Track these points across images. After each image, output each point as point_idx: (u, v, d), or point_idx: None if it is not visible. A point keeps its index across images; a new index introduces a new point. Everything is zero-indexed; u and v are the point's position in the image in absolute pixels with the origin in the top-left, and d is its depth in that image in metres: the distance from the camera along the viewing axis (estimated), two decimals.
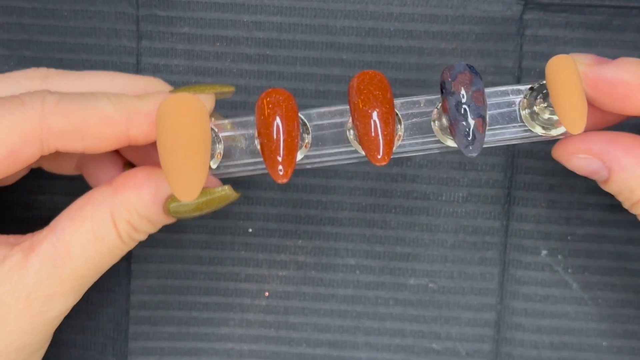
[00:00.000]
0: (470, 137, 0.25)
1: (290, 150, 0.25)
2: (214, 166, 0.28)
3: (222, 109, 0.34)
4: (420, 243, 0.34)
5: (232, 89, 0.29)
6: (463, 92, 0.25)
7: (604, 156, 0.27)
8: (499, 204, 0.34)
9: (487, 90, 0.27)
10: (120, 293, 0.35)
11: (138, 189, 0.27)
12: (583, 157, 0.27)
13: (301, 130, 0.27)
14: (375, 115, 0.25)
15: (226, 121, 0.28)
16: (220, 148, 0.28)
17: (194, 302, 0.35)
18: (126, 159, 0.31)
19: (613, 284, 0.34)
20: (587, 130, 0.29)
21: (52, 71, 0.28)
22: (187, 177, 0.24)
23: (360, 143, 0.25)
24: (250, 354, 0.35)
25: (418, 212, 0.34)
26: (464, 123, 0.25)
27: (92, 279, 0.27)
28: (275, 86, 0.33)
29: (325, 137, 0.28)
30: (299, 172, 0.34)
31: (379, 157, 0.25)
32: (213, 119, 0.29)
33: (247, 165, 0.28)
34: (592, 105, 0.28)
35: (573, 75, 0.25)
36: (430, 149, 0.28)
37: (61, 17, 0.33)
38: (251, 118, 0.28)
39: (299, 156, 0.27)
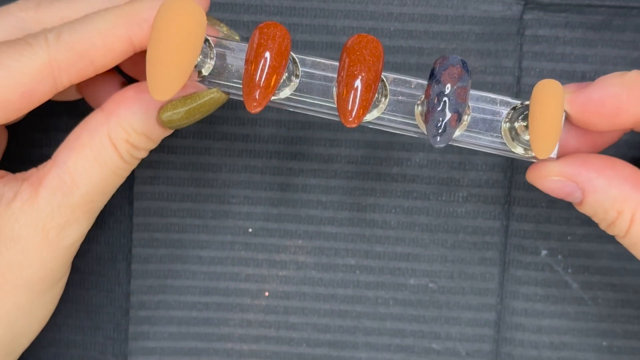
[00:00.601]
0: (441, 129, 0.25)
1: (269, 83, 0.25)
2: (205, 73, 0.28)
3: (222, 108, 0.34)
4: (420, 243, 0.34)
5: (238, 37, 0.29)
6: (448, 84, 0.25)
7: (576, 178, 0.28)
8: (499, 204, 0.34)
9: (479, 93, 0.28)
10: (120, 293, 0.35)
11: (130, 106, 0.27)
12: (556, 179, 0.28)
13: (291, 70, 0.28)
14: (359, 78, 0.25)
15: (223, 26, 0.29)
16: (211, 63, 0.28)
17: (194, 302, 0.35)
18: (122, 78, 0.32)
19: (613, 284, 0.34)
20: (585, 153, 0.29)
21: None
22: (164, 77, 0.25)
23: (336, 100, 0.26)
24: (250, 354, 0.35)
25: (418, 212, 0.34)
26: (440, 113, 0.25)
27: (102, 203, 0.28)
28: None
29: (313, 87, 0.28)
30: (299, 172, 0.34)
31: (350, 119, 0.25)
32: (215, 27, 0.29)
33: (232, 88, 0.28)
34: (588, 129, 0.28)
35: (555, 100, 0.26)
36: (406, 130, 0.28)
37: None
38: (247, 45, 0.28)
39: (284, 94, 0.28)
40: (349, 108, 0.25)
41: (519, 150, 0.28)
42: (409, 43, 0.33)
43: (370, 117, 0.28)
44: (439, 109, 0.25)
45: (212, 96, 0.28)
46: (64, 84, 0.27)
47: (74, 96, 0.32)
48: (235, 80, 0.28)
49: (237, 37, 0.30)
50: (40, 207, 0.27)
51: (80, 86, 0.32)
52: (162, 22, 0.25)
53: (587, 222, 0.34)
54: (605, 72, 0.32)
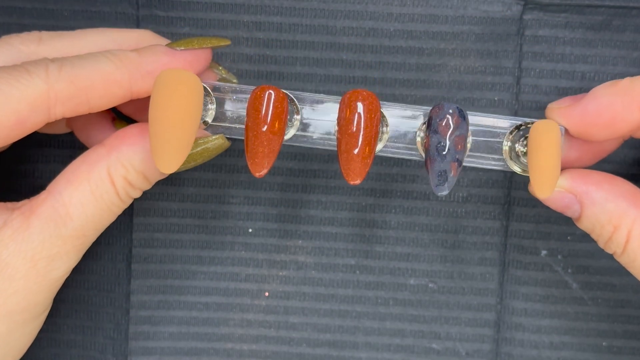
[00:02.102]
0: (442, 179, 0.26)
1: (273, 153, 0.26)
2: (209, 121, 0.29)
3: None
4: (420, 243, 0.34)
5: (228, 42, 0.30)
6: (446, 135, 0.26)
7: (575, 189, 0.28)
8: (499, 204, 0.34)
9: (478, 116, 0.28)
10: (120, 293, 0.35)
11: (133, 145, 0.27)
12: (557, 190, 0.28)
13: (291, 109, 0.28)
14: (360, 137, 0.26)
15: (222, 69, 0.30)
16: (212, 108, 0.29)
17: (194, 302, 0.35)
18: (113, 113, 0.32)
19: (613, 284, 0.34)
20: (586, 163, 0.30)
21: (46, 34, 0.29)
22: (169, 150, 0.25)
23: (339, 160, 0.26)
24: (250, 354, 0.35)
25: (418, 212, 0.34)
26: (440, 164, 0.26)
27: (92, 238, 0.28)
28: (276, 86, 0.33)
29: (315, 122, 0.29)
30: (299, 172, 0.34)
31: (352, 182, 0.26)
32: (213, 70, 0.30)
33: (233, 132, 0.29)
34: (586, 140, 0.28)
35: (554, 143, 0.26)
36: (410, 155, 0.29)
37: (61, 17, 0.33)
38: (247, 90, 0.29)
39: (288, 135, 0.28)
40: (352, 169, 0.26)
41: (516, 169, 0.28)
42: (409, 43, 0.33)
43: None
44: (438, 160, 0.26)
45: (215, 142, 0.28)
46: (57, 116, 0.26)
47: (62, 130, 0.32)
48: (237, 125, 0.29)
49: (235, 80, 0.31)
50: (31, 236, 0.26)
51: (70, 119, 0.32)
52: (161, 96, 0.25)
53: None
54: (605, 72, 0.33)
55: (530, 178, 0.26)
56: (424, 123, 0.28)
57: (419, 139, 0.28)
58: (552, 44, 0.33)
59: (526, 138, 0.28)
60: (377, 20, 0.33)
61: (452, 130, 0.26)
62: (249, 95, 0.28)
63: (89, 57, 0.27)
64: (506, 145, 0.28)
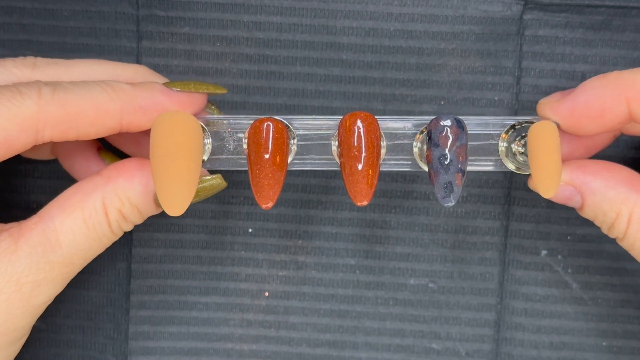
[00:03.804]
0: (448, 190, 0.26)
1: (276, 192, 0.27)
2: (206, 158, 0.29)
3: (222, 108, 0.34)
4: (420, 243, 0.34)
5: (225, 90, 0.30)
6: (447, 147, 0.26)
7: (574, 181, 0.28)
8: (499, 204, 0.34)
9: (472, 118, 0.28)
10: (120, 293, 0.35)
11: (130, 178, 0.27)
12: None
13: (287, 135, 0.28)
14: (361, 158, 0.26)
15: (214, 108, 0.30)
16: (209, 143, 0.28)
17: (194, 302, 0.35)
18: (99, 143, 0.32)
19: (613, 284, 0.34)
20: (579, 158, 0.30)
21: (41, 60, 0.29)
22: (176, 194, 0.25)
23: (344, 182, 0.26)
24: (250, 354, 0.35)
25: (418, 212, 0.34)
26: (445, 176, 0.26)
27: (80, 267, 0.28)
28: (275, 86, 0.33)
29: (311, 145, 0.29)
30: (298, 172, 0.34)
31: (359, 203, 0.26)
32: (206, 110, 0.30)
33: (233, 164, 0.29)
34: (577, 134, 0.29)
35: (553, 143, 0.26)
36: (411, 167, 0.29)
37: (61, 17, 0.33)
38: (242, 121, 0.29)
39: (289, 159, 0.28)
40: (358, 191, 0.26)
41: (511, 166, 0.29)
42: (409, 43, 0.33)
43: None
44: (442, 172, 0.26)
45: (212, 182, 0.28)
46: (44, 139, 0.26)
47: (47, 156, 0.32)
48: (236, 156, 0.29)
49: (224, 90, 0.30)
50: (18, 259, 0.26)
51: (55, 146, 0.31)
52: (162, 141, 0.25)
53: (587, 222, 0.34)
54: (605, 72, 0.32)
55: (534, 180, 0.27)
56: (420, 133, 0.28)
57: (416, 149, 0.28)
58: (552, 43, 0.33)
59: (522, 137, 0.28)
60: (377, 20, 0.33)
61: (452, 142, 0.26)
62: (243, 123, 0.28)
63: (82, 84, 0.27)
64: (502, 146, 0.29)
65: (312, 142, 0.29)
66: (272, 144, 0.26)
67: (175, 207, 0.25)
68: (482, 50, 0.33)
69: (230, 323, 0.35)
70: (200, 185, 0.28)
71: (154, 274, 0.35)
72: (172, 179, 0.25)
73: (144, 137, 0.30)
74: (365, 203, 0.26)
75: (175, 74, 0.33)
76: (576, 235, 0.34)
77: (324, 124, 0.29)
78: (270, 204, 0.26)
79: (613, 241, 0.34)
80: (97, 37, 0.33)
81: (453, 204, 0.27)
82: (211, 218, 0.34)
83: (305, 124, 0.29)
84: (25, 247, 0.26)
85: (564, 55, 0.33)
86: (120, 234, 0.28)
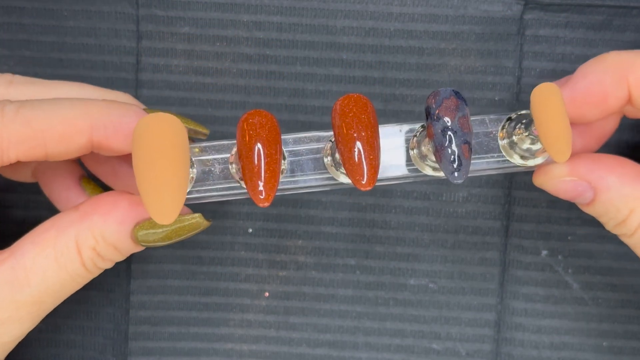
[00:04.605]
0: (457, 164, 0.25)
1: (273, 174, 0.24)
2: (190, 186, 0.27)
3: (222, 108, 0.34)
4: (420, 243, 0.34)
5: (207, 131, 0.28)
6: (449, 118, 0.25)
7: (589, 176, 0.27)
8: (499, 204, 0.34)
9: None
10: (120, 293, 0.35)
11: (105, 214, 0.26)
12: (569, 179, 0.27)
13: None
14: (359, 139, 0.24)
15: (195, 145, 0.27)
16: (193, 172, 0.27)
17: (194, 302, 0.35)
18: (82, 171, 0.31)
19: (613, 284, 0.34)
20: (591, 150, 0.29)
21: (18, 77, 0.28)
22: (165, 199, 0.23)
23: (344, 167, 0.25)
24: (250, 354, 0.35)
25: (418, 212, 0.34)
26: (450, 149, 0.25)
27: (52, 305, 0.26)
28: (275, 86, 0.33)
29: (302, 163, 0.27)
30: None
31: (364, 182, 0.24)
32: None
33: (221, 190, 0.27)
34: (580, 125, 0.28)
35: (559, 103, 0.25)
36: (415, 176, 0.28)
37: (61, 17, 0.33)
38: (224, 142, 0.27)
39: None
40: (360, 172, 0.24)
41: (516, 160, 0.28)
42: (409, 43, 0.33)
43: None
44: (447, 145, 0.25)
45: (194, 222, 0.26)
46: (10, 159, 0.25)
47: (28, 178, 0.31)
48: (222, 182, 0.27)
49: (206, 131, 0.29)
50: None
51: (36, 170, 0.30)
52: (143, 142, 0.23)
53: (588, 222, 0.34)
54: None
55: (546, 147, 0.25)
56: (415, 135, 0.27)
57: (413, 152, 0.27)
58: (552, 43, 0.33)
59: (522, 123, 0.27)
60: (377, 20, 0.33)
61: (453, 113, 0.25)
62: (226, 144, 0.27)
63: (52, 100, 0.25)
64: (504, 142, 0.28)
65: (303, 158, 0.27)
66: (265, 149, 0.24)
67: (164, 215, 0.23)
68: (482, 50, 0.33)
69: (230, 323, 0.35)
70: (180, 225, 0.26)
71: (154, 274, 0.34)
72: (159, 184, 0.23)
73: (123, 168, 0.29)
74: (369, 187, 0.24)
75: (175, 73, 0.33)
76: (576, 236, 0.34)
77: (312, 136, 0.27)
78: (267, 203, 0.24)
79: (614, 241, 0.34)
80: (97, 37, 0.33)
81: (462, 180, 0.25)
82: (211, 218, 0.34)
83: (293, 139, 0.27)
84: None
85: (564, 55, 0.33)
86: (97, 272, 0.27)
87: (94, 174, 0.31)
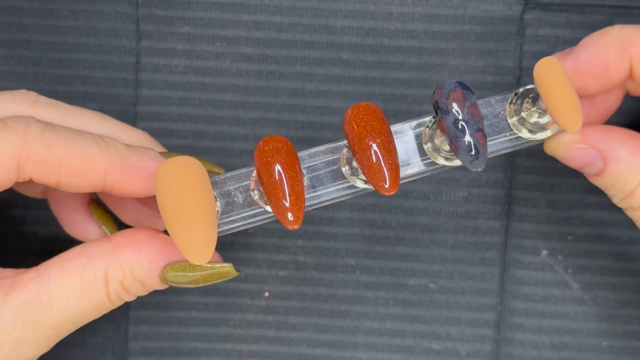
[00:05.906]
0: (474, 152, 0.25)
1: (298, 195, 0.24)
2: (217, 220, 0.27)
3: (222, 108, 0.34)
4: (420, 243, 0.34)
5: (222, 170, 0.29)
6: (458, 109, 0.25)
7: (600, 145, 0.27)
8: (499, 204, 0.34)
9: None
10: None
11: (138, 250, 0.26)
12: (580, 146, 0.27)
13: None
14: (375, 146, 0.25)
15: (214, 178, 0.27)
16: (217, 206, 0.27)
17: (194, 302, 0.35)
18: (92, 194, 0.31)
19: (613, 284, 0.34)
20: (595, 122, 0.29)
21: (42, 99, 0.28)
22: (198, 240, 0.24)
23: (365, 176, 0.25)
24: (250, 354, 0.35)
25: (418, 212, 0.34)
26: (465, 139, 0.25)
27: (69, 331, 0.26)
28: (275, 86, 0.33)
29: (322, 177, 0.27)
30: None
31: (387, 186, 0.25)
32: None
33: (247, 218, 0.27)
34: (583, 99, 0.28)
35: (562, 75, 0.25)
36: (433, 170, 0.28)
37: (61, 17, 0.33)
38: (242, 170, 0.27)
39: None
40: (382, 177, 0.25)
41: (525, 134, 0.27)
42: (409, 43, 0.33)
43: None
44: (461, 135, 0.25)
45: (224, 270, 0.27)
46: (24, 177, 0.25)
47: (37, 194, 0.31)
48: (247, 209, 0.27)
49: (221, 170, 0.29)
50: (4, 314, 0.25)
51: (47, 188, 0.30)
52: (171, 186, 0.24)
53: (587, 222, 0.34)
54: None
55: (557, 120, 0.25)
56: (427, 127, 0.27)
57: (427, 146, 0.27)
58: (552, 43, 0.33)
59: (529, 97, 0.27)
60: (377, 19, 0.33)
61: (461, 103, 0.25)
62: (243, 174, 0.27)
63: (76, 132, 0.25)
64: (513, 120, 0.27)
65: (321, 172, 0.27)
66: (286, 171, 0.24)
67: (199, 255, 0.24)
68: (482, 50, 0.33)
69: (230, 323, 0.35)
70: (210, 272, 0.27)
71: None
72: (190, 225, 0.23)
73: (132, 202, 0.30)
74: (393, 192, 0.24)
75: (175, 73, 0.34)
76: (576, 236, 0.34)
77: (327, 149, 0.27)
78: (296, 226, 0.24)
79: (613, 241, 0.34)
80: (97, 37, 0.33)
81: (482, 168, 0.25)
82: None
83: (308, 155, 0.27)
84: (14, 303, 0.25)
85: None
86: (119, 304, 0.27)
87: (102, 200, 0.31)
